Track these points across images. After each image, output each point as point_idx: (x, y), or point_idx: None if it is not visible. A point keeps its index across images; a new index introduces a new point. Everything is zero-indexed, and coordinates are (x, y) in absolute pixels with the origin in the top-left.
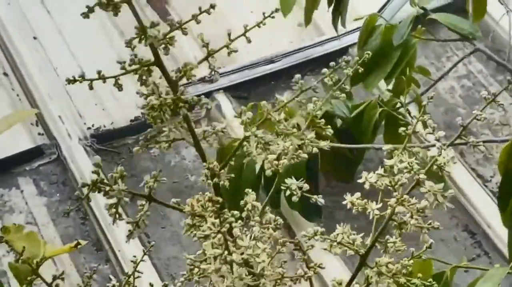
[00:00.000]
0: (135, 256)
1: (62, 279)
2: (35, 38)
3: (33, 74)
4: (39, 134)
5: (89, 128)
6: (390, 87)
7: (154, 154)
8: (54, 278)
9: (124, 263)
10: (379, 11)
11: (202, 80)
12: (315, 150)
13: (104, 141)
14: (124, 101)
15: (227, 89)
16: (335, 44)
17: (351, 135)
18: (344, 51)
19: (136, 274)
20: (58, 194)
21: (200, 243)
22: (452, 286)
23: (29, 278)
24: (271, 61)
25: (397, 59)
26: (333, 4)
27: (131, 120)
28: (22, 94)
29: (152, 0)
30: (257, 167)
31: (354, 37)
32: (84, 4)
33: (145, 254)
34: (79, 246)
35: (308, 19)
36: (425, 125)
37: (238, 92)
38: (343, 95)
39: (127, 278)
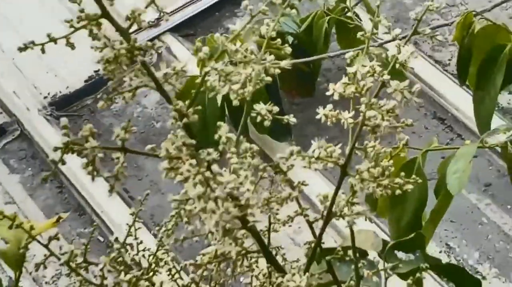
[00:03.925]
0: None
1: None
2: None
3: None
4: None
5: (45, 97)
6: None
7: (116, 109)
8: (46, 256)
9: (109, 222)
10: None
11: (147, 26)
12: (277, 71)
13: (63, 107)
14: (74, 64)
15: (173, 30)
16: None
17: (304, 50)
18: None
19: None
20: (29, 169)
21: (180, 185)
22: (425, 171)
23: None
24: None
25: None
26: None
27: (85, 81)
28: None
29: None
30: (219, 99)
31: None
32: None
33: (136, 213)
34: (61, 220)
35: None
36: (376, 25)
37: (184, 30)
38: (293, 10)
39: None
